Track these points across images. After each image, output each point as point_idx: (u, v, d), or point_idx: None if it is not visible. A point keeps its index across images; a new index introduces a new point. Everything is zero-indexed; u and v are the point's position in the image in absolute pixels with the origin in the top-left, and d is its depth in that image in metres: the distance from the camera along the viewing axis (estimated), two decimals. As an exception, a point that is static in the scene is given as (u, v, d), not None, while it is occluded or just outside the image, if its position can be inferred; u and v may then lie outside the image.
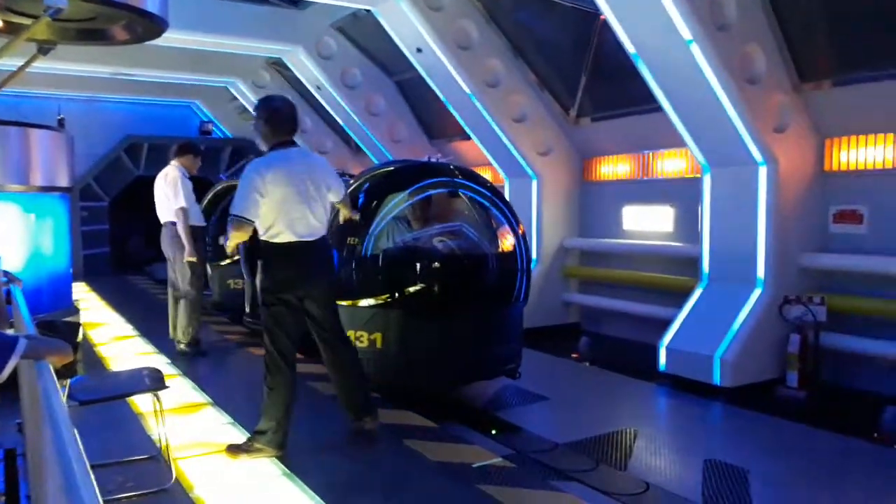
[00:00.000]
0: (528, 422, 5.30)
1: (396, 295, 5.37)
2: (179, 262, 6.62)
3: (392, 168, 6.37)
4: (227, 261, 8.88)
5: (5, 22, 6.83)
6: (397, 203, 5.64)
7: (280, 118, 3.98)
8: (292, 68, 11.92)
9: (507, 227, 6.03)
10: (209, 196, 9.59)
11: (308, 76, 11.74)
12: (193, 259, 6.56)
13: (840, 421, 5.54)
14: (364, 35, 10.86)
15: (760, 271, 6.58)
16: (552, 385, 6.59)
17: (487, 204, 6.00)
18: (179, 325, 6.75)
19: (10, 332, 3.14)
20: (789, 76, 6.53)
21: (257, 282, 4.46)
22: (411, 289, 5.38)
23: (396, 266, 5.44)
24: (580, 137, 9.36)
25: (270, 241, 3.95)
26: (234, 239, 3.97)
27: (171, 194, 6.50)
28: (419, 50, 9.17)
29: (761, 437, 5.40)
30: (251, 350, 7.11)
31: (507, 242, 5.96)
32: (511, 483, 3.72)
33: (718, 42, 6.07)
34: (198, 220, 6.80)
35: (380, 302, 5.37)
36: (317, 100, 12.38)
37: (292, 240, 3.93)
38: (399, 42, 9.31)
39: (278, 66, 12.78)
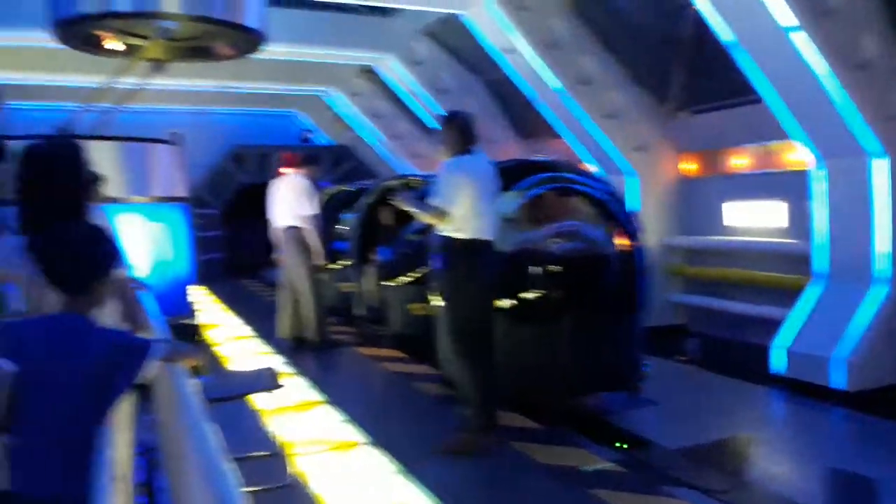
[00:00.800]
0: (637, 426, 5.19)
1: (507, 300, 5.07)
2: (299, 265, 6.90)
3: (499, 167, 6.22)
4: (336, 265, 9.03)
5: (124, 45, 7.37)
6: (506, 203, 5.32)
7: (468, 129, 4.39)
8: (383, 75, 12.17)
9: (625, 225, 5.65)
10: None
11: (400, 82, 11.95)
12: (323, 262, 7.10)
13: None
14: (453, 39, 10.97)
15: (883, 269, 6.17)
16: (660, 388, 6.40)
17: (604, 201, 5.63)
18: (308, 324, 7.03)
19: (145, 335, 3.37)
20: (904, 60, 6.12)
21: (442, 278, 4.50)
22: (523, 294, 5.11)
23: (507, 270, 5.07)
24: (677, 131, 9.11)
25: (461, 237, 4.22)
26: (423, 219, 4.51)
27: (303, 201, 6.85)
28: (509, 50, 9.18)
29: (889, 445, 5.08)
30: (359, 350, 7.32)
31: (626, 243, 5.58)
32: (623, 488, 3.68)
33: (823, 28, 5.76)
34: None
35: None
36: (409, 105, 12.59)
37: (485, 237, 4.23)
38: (488, 43, 9.35)
39: (372, 73, 13.08)
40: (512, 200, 5.34)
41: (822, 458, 4.68)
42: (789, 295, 6.96)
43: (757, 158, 8.19)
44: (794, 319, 6.61)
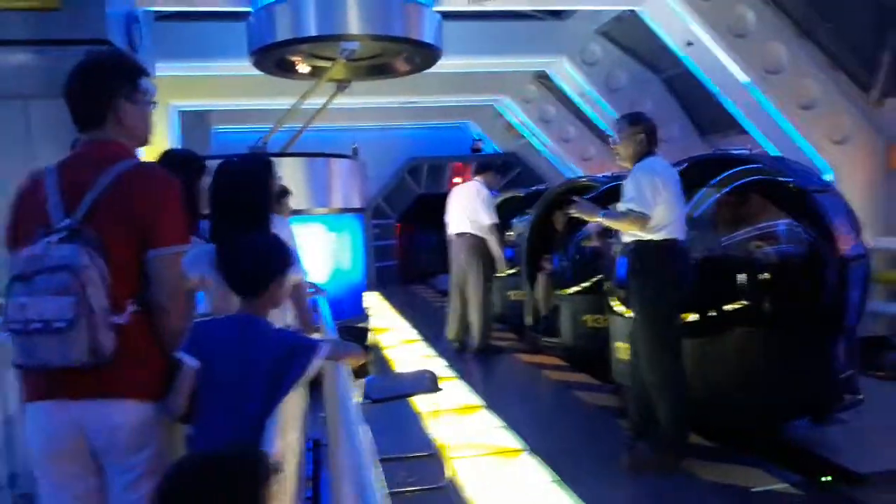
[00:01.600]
0: (821, 447, 4.66)
1: (699, 313, 4.56)
2: (473, 272, 7.10)
3: (685, 162, 5.51)
4: (506, 272, 8.90)
5: (310, 67, 7.99)
6: (696, 202, 4.83)
7: (654, 131, 4.33)
8: (556, 79, 12.09)
9: (843, 225, 4.76)
10: None
11: (572, 84, 11.81)
12: (504, 271, 7.38)
13: None
14: (629, 36, 10.63)
15: None
16: (854, 406, 5.74)
17: (816, 197, 4.81)
18: (474, 329, 7.25)
19: (315, 336, 3.61)
20: None
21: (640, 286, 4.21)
22: (721, 306, 4.58)
23: (700, 278, 4.46)
24: (885, 121, 8.10)
25: (657, 239, 4.08)
26: (621, 227, 4.20)
27: (479, 209, 7.06)
28: (689, 44, 8.74)
29: None
30: (522, 357, 7.33)
31: (845, 245, 4.71)
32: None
33: None
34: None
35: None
36: (579, 108, 12.40)
37: (680, 238, 4.12)
38: (667, 38, 8.96)
39: (543, 78, 13.04)
40: (705, 199, 4.91)
41: None
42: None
43: None
44: None
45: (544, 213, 8.13)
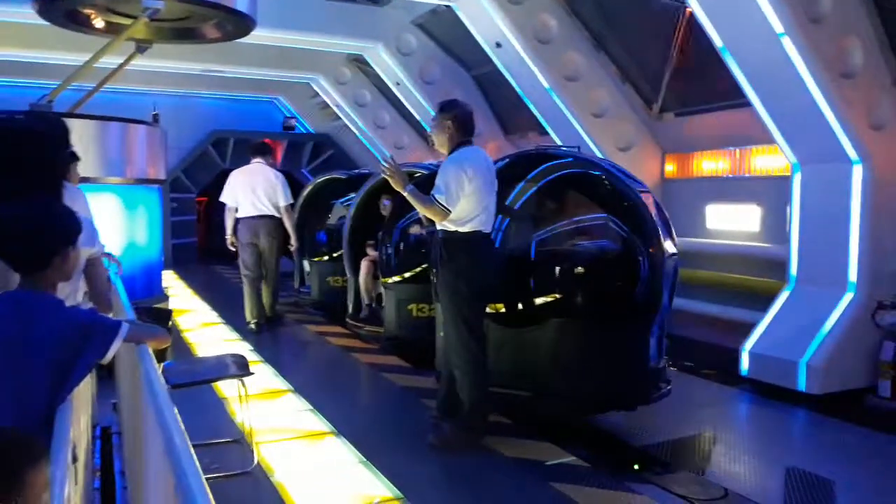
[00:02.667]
0: (603, 423, 5.22)
1: (510, 303, 4.72)
2: (275, 251, 7.62)
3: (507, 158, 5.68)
4: (327, 257, 8.86)
5: (106, 22, 7.26)
6: (514, 196, 4.87)
7: (468, 119, 4.31)
8: (372, 64, 12.11)
9: (656, 224, 4.92)
10: (305, 196, 9.79)
11: (388, 72, 11.90)
12: (296, 246, 7.89)
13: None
14: (443, 31, 10.93)
15: (853, 275, 6.26)
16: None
17: (634, 196, 4.93)
18: (267, 303, 7.78)
19: (111, 316, 3.34)
20: (889, 70, 6.18)
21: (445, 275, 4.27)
22: (533, 298, 4.71)
23: (512, 271, 4.71)
24: (663, 133, 9.13)
25: (463, 231, 4.15)
26: (422, 212, 4.26)
27: (279, 191, 7.49)
28: (498, 45, 9.15)
29: (849, 448, 5.16)
30: (331, 340, 7.32)
31: (661, 243, 4.88)
32: (585, 482, 3.70)
33: (812, 35, 5.80)
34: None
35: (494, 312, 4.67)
36: (396, 95, 12.54)
37: (485, 231, 4.22)
38: (478, 37, 9.32)
39: (359, 62, 13.01)
40: (522, 192, 4.92)
41: (783, 459, 4.73)
42: (765, 299, 7.03)
43: (742, 162, 8.23)
44: (766, 323, 6.68)
45: (369, 198, 7.89)
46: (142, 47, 7.59)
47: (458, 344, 4.20)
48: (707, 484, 4.34)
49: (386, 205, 7.30)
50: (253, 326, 7.54)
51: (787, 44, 5.79)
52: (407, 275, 6.42)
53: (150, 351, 2.37)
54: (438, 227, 4.27)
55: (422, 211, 4.20)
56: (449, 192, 4.04)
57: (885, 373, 6.07)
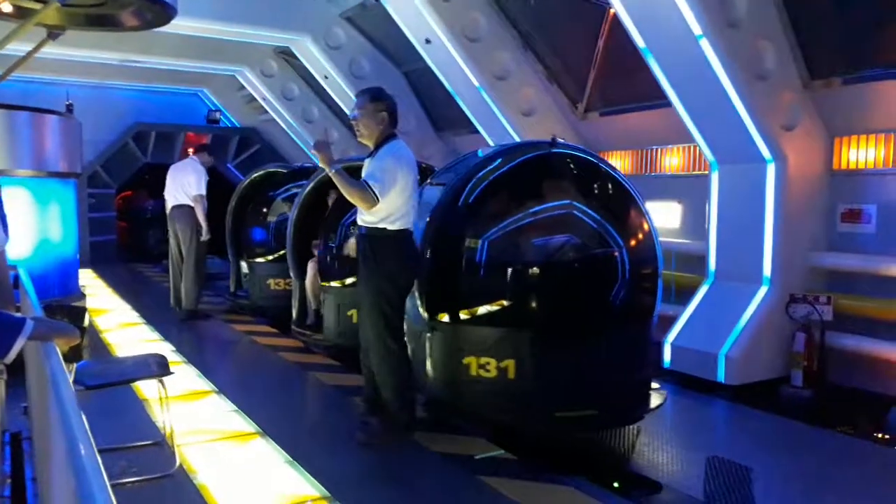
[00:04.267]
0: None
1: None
2: (190, 240, 7.77)
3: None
4: (269, 257, 8.33)
5: (15, 6, 6.85)
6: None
7: (396, 110, 4.22)
8: (300, 57, 11.90)
9: (636, 208, 4.72)
10: (236, 198, 9.20)
11: (316, 66, 11.71)
12: (208, 237, 7.87)
13: (845, 421, 5.53)
14: (373, 25, 10.84)
15: (767, 269, 6.55)
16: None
17: (611, 176, 4.76)
18: (185, 294, 7.88)
19: (15, 314, 3.16)
20: (799, 73, 6.48)
21: (383, 274, 4.13)
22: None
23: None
24: (588, 132, 9.32)
25: (388, 227, 4.05)
26: (348, 194, 3.97)
27: (192, 181, 7.73)
28: (428, 41, 9.13)
29: (765, 436, 5.40)
30: (256, 339, 7.14)
31: (638, 234, 4.67)
32: (513, 475, 3.73)
33: (728, 38, 6.03)
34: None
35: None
36: (324, 89, 12.36)
37: (409, 227, 4.13)
38: (408, 33, 9.28)
39: (286, 55, 12.76)
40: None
41: (702, 447, 4.89)
42: (685, 293, 7.27)
43: (662, 161, 8.49)
44: (687, 316, 6.91)
45: (315, 193, 7.12)
46: (53, 34, 7.18)
47: (377, 343, 4.13)
48: (628, 473, 4.44)
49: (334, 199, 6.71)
50: (177, 312, 7.98)
51: (706, 46, 6.00)
52: (349, 280, 5.95)
53: (59, 350, 2.25)
54: (361, 222, 4.15)
55: (347, 194, 3.96)
56: (383, 182, 3.90)
57: (797, 363, 6.38)
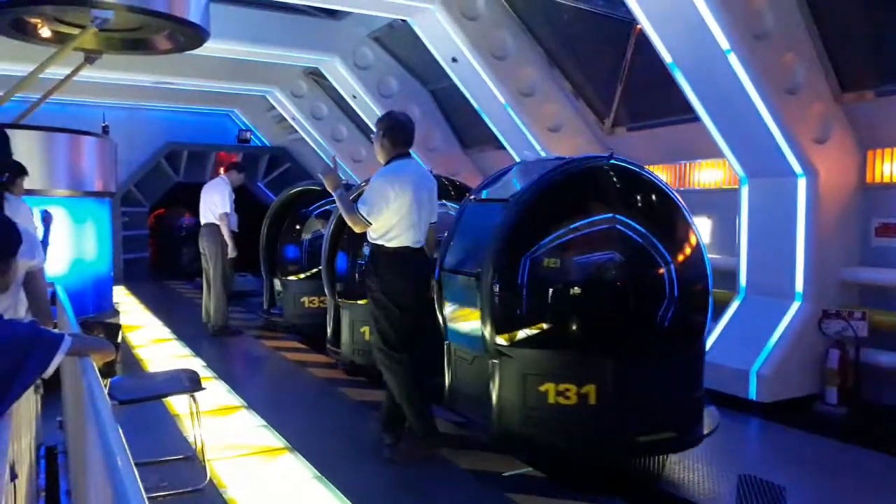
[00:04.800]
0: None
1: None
2: (216, 257, 7.85)
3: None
4: (302, 275, 8.23)
5: (53, 31, 7.08)
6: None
7: (401, 131, 4.26)
8: (329, 78, 12.08)
9: (687, 224, 4.58)
10: (270, 216, 9.13)
11: (344, 85, 11.88)
12: (234, 254, 7.90)
13: (881, 439, 5.39)
14: (400, 45, 10.97)
15: (799, 285, 6.45)
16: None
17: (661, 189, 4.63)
18: (213, 310, 8.00)
19: (54, 330, 3.24)
20: (830, 86, 6.41)
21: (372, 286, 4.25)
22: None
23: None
24: (615, 147, 9.27)
25: (386, 244, 4.14)
26: (346, 218, 4.18)
27: (217, 199, 7.84)
28: (454, 60, 9.22)
29: (799, 454, 5.29)
30: (286, 356, 7.20)
31: (688, 251, 4.45)
32: (542, 493, 3.70)
33: (756, 51, 5.99)
34: (234, 225, 8.00)
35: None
36: (353, 109, 12.52)
37: (406, 245, 4.14)
38: (434, 52, 9.38)
39: (315, 75, 12.97)
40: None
41: (735, 465, 4.82)
42: (717, 309, 7.16)
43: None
44: (717, 333, 6.81)
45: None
46: (91, 58, 7.40)
47: (378, 356, 4.22)
48: (658, 490, 4.38)
49: None
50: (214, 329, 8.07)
51: (734, 60, 5.97)
52: (361, 300, 5.79)
53: (95, 365, 2.30)
54: (368, 238, 4.29)
55: (345, 217, 4.18)
56: (370, 205, 4.03)
57: (831, 380, 6.25)
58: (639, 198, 4.52)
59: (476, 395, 4.27)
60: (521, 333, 4.10)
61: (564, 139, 9.23)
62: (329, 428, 5.07)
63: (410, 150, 4.34)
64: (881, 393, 6.34)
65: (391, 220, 4.08)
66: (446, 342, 4.59)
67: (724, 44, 5.92)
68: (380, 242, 4.16)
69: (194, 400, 3.74)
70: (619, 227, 4.18)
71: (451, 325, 4.55)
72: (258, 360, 7.32)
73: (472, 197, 5.01)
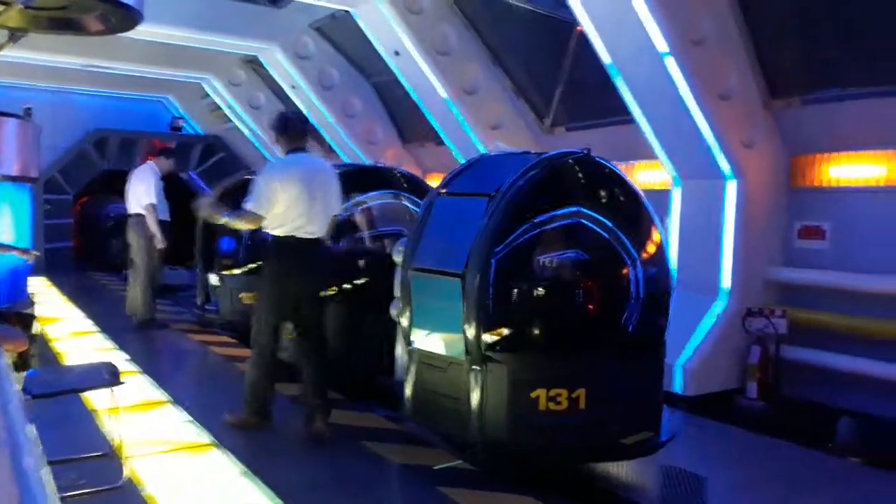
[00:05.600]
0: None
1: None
2: (138, 248, 7.66)
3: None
4: (240, 269, 7.79)
5: (-27, 7, 6.69)
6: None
7: (292, 128, 4.56)
8: (268, 67, 11.83)
9: (650, 221, 4.56)
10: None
11: (284, 76, 11.65)
12: (163, 246, 7.68)
13: (797, 432, 5.61)
14: (342, 36, 10.81)
15: (726, 283, 6.66)
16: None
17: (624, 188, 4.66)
18: (138, 303, 7.79)
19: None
20: (760, 92, 6.63)
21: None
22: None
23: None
24: (553, 147, 9.32)
25: (272, 232, 4.39)
26: (239, 226, 4.75)
27: (142, 190, 7.59)
28: (397, 53, 9.15)
29: (720, 446, 5.46)
30: (213, 349, 7.02)
31: (651, 247, 4.44)
32: (472, 486, 3.70)
33: (693, 56, 6.14)
34: (163, 214, 7.76)
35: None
36: (291, 99, 12.29)
37: (292, 234, 4.33)
38: (377, 44, 9.29)
39: (254, 64, 12.67)
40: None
41: (659, 457, 4.92)
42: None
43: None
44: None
45: None
46: (15, 36, 7.00)
47: (254, 333, 4.54)
48: (582, 483, 4.44)
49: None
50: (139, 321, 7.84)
51: (671, 63, 6.10)
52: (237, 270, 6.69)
53: (5, 357, 2.17)
54: (263, 231, 4.52)
55: (242, 226, 4.63)
56: (257, 199, 4.26)
57: (752, 375, 6.48)
58: (613, 192, 4.69)
59: (450, 406, 3.98)
60: (511, 337, 3.81)
61: (504, 137, 9.23)
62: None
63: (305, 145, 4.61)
64: (798, 388, 6.61)
65: (278, 210, 4.28)
66: (409, 348, 4.24)
67: (661, 47, 6.04)
68: (268, 231, 4.41)
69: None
70: (583, 220, 4.14)
71: (418, 329, 4.18)
72: (185, 354, 7.10)
73: (442, 191, 4.57)
